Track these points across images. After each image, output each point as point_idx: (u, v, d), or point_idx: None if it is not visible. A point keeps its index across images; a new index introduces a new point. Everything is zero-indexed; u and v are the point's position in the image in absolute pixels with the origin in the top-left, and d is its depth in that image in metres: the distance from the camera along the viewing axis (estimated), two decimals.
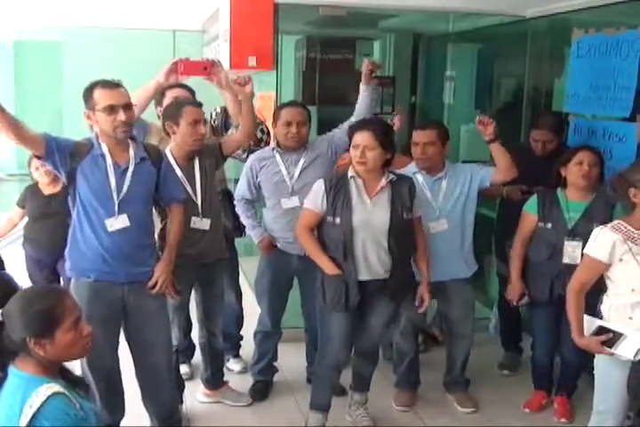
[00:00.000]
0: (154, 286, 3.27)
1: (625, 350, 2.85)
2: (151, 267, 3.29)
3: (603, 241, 2.95)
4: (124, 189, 3.15)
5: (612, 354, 2.89)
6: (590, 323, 3.02)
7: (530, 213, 3.84)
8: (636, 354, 2.81)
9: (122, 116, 3.06)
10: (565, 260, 3.68)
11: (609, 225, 2.98)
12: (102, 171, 3.14)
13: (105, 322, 3.20)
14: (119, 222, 3.16)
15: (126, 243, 3.19)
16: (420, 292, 3.56)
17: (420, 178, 3.80)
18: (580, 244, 3.61)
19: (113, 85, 3.10)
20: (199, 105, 3.63)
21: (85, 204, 3.16)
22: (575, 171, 3.67)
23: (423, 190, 3.77)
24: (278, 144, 3.90)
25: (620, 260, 2.92)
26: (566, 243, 3.68)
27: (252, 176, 3.92)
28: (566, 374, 4.02)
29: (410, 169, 3.85)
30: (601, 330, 2.96)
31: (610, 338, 2.90)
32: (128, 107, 3.10)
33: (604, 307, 3.04)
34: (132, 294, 3.26)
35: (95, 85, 3.09)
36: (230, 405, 4.02)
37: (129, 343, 3.40)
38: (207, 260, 3.68)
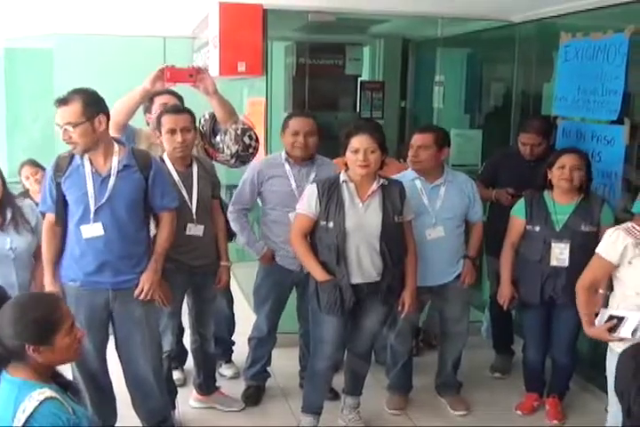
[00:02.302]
0: (140, 294, 3.27)
1: (625, 332, 2.90)
2: (137, 274, 3.28)
3: (615, 243, 2.97)
4: (104, 197, 3.15)
5: (621, 340, 2.92)
6: (602, 314, 3.07)
7: (518, 217, 3.86)
8: (634, 333, 2.86)
9: (62, 136, 3.08)
10: (553, 262, 3.70)
11: (622, 227, 3.00)
12: (81, 180, 3.15)
13: (90, 327, 3.21)
14: (94, 230, 3.16)
15: (108, 252, 3.19)
16: (403, 297, 3.57)
17: (418, 184, 3.82)
18: (568, 245, 3.64)
19: (61, 103, 3.07)
20: (185, 111, 3.63)
21: (71, 213, 3.19)
22: (558, 174, 3.71)
23: (421, 197, 3.79)
24: (289, 154, 3.89)
25: (630, 263, 2.95)
26: (554, 245, 3.70)
27: (257, 183, 3.88)
28: (557, 376, 4.03)
29: (408, 175, 3.86)
30: (610, 318, 3.00)
31: (614, 324, 2.95)
32: (70, 125, 3.05)
33: (611, 306, 3.07)
34: (117, 301, 3.27)
35: (56, 100, 3.10)
36: (223, 410, 4.01)
37: (117, 351, 3.41)
38: (200, 268, 3.69)
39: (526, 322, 4.07)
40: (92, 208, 3.14)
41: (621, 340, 2.92)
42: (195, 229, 3.62)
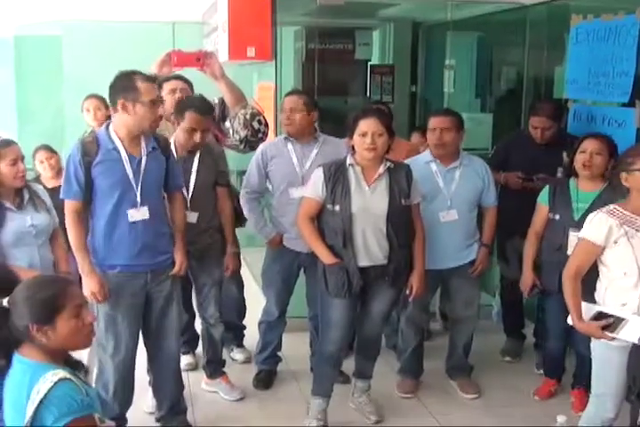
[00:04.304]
0: (179, 270, 3.38)
1: (628, 334, 2.81)
2: (170, 253, 3.35)
3: (599, 225, 2.92)
4: (140, 179, 3.18)
5: (613, 339, 2.86)
6: (588, 309, 2.97)
7: (542, 204, 3.79)
8: None
9: (159, 111, 3.15)
10: (570, 250, 3.56)
11: (604, 209, 2.95)
12: (119, 163, 3.16)
13: (130, 313, 3.28)
14: (140, 214, 3.19)
15: (147, 233, 3.23)
16: (411, 280, 3.57)
17: (433, 167, 3.82)
18: None
19: (152, 79, 3.16)
20: (210, 113, 3.68)
21: (102, 198, 3.17)
22: (579, 159, 3.61)
23: (436, 179, 3.80)
24: (289, 133, 3.92)
25: (615, 242, 2.89)
26: (571, 233, 3.58)
27: (262, 165, 3.92)
28: (582, 368, 3.82)
29: (424, 158, 3.87)
30: (600, 315, 2.92)
31: (610, 323, 2.86)
32: (162, 102, 3.22)
33: (598, 294, 3.01)
34: (153, 282, 3.32)
35: (135, 76, 3.08)
36: (222, 397, 4.01)
37: (145, 332, 3.44)
38: (194, 251, 3.68)
39: (547, 309, 3.98)
40: (138, 192, 3.17)
41: (613, 339, 2.86)
42: (188, 217, 3.63)
